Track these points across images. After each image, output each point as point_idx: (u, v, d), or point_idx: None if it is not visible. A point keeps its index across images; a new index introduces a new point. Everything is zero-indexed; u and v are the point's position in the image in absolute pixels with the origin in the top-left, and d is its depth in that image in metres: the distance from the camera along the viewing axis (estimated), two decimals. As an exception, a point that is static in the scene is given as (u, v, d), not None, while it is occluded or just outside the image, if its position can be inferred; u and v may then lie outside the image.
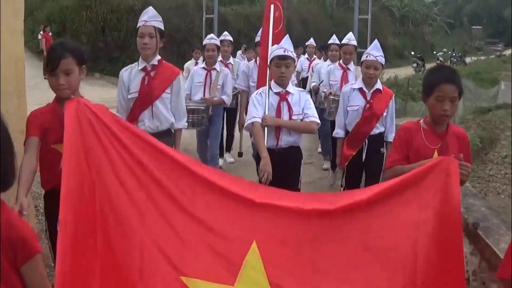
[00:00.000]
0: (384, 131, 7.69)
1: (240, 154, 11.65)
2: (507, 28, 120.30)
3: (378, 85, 7.69)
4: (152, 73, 6.53)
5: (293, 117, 6.58)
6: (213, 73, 10.08)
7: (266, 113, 6.53)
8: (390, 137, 7.59)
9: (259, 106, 6.56)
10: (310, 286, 4.03)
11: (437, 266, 3.95)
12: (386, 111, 7.66)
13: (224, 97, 10.06)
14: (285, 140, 6.58)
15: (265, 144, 6.38)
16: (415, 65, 51.50)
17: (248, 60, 14.34)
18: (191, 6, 35.60)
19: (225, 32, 12.63)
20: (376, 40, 7.94)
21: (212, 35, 11.11)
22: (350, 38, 10.51)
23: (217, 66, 10.22)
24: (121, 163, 4.02)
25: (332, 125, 9.33)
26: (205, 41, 10.46)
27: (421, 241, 4.00)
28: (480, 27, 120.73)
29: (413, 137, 4.92)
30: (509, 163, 21.64)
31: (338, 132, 7.93)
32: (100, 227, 3.78)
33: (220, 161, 11.77)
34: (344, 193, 5.78)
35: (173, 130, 6.83)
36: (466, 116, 27.29)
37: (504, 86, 40.68)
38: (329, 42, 12.63)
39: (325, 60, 13.44)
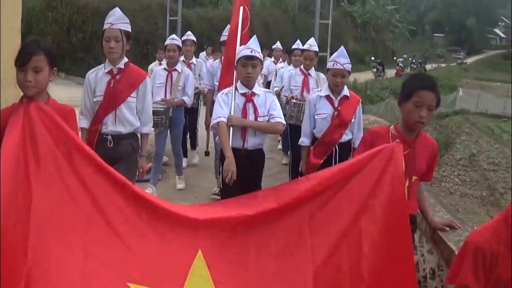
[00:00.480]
0: (352, 138, 7.52)
1: (206, 153, 11.28)
2: (469, 36, 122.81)
3: (345, 92, 7.46)
4: (118, 77, 6.44)
5: (259, 119, 6.55)
6: (174, 74, 10.08)
7: (232, 114, 6.50)
8: (358, 143, 7.09)
9: (224, 106, 6.54)
10: (256, 285, 4.11)
11: (384, 250, 4.07)
12: (354, 117, 7.48)
13: (185, 98, 10.08)
14: (251, 141, 6.57)
15: (230, 144, 6.39)
16: (375, 70, 52.41)
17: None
18: (155, 8, 35.90)
19: (188, 32, 12.63)
20: (342, 47, 7.60)
21: (173, 35, 11.05)
22: (311, 44, 10.30)
23: (178, 67, 10.20)
24: (70, 175, 3.98)
25: (292, 128, 9.57)
26: (167, 42, 10.48)
27: (366, 225, 4.12)
28: (442, 35, 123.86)
29: (379, 142, 4.72)
30: (462, 165, 22.71)
31: (304, 141, 7.65)
32: (34, 234, 3.64)
33: (184, 162, 11.83)
34: (289, 184, 5.44)
35: (138, 134, 6.81)
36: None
37: (462, 93, 42.05)
38: (293, 47, 12.55)
39: (289, 64, 13.33)
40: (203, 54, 18.05)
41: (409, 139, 4.71)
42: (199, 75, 11.63)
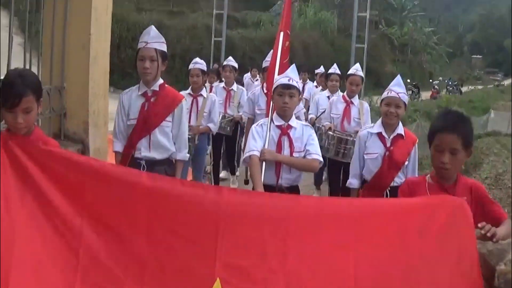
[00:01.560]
0: None
1: (246, 182, 10.37)
2: (507, 57, 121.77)
3: (400, 130, 6.80)
4: (152, 99, 6.25)
5: (294, 154, 6.16)
6: (200, 99, 9.78)
7: (266, 146, 6.14)
8: None
9: (258, 138, 6.18)
10: None
11: None
12: (408, 159, 6.76)
13: (210, 125, 9.77)
14: (286, 178, 6.19)
15: (262, 180, 6.01)
16: (410, 92, 52.92)
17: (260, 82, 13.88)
18: (201, 28, 38.61)
19: (229, 57, 12.63)
20: (398, 76, 7.13)
21: (197, 59, 10.30)
22: (358, 69, 9.85)
23: (204, 92, 9.91)
24: (63, 197, 3.68)
25: (330, 162, 9.43)
26: (190, 66, 10.03)
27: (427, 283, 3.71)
28: (480, 57, 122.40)
29: (416, 192, 4.39)
30: (488, 184, 23.74)
31: (352, 183, 7.05)
32: (17, 269, 3.38)
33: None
34: (335, 197, 5.69)
35: (174, 160, 6.54)
36: (454, 141, 29.29)
37: (494, 115, 42.85)
38: (330, 71, 11.99)
39: (324, 89, 12.89)
40: (247, 76, 18.27)
41: (448, 187, 4.34)
42: (239, 103, 11.61)
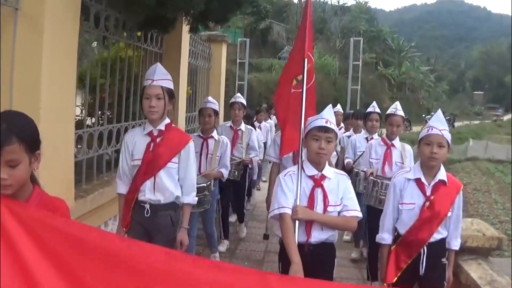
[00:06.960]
0: (447, 236, 5.71)
1: (266, 237, 10.02)
2: (507, 93, 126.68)
3: (442, 175, 5.55)
4: (158, 139, 5.91)
5: (329, 208, 5.22)
6: (210, 141, 9.06)
7: (298, 202, 5.21)
8: (454, 244, 5.76)
9: (288, 192, 5.22)
10: None
11: None
12: (451, 210, 5.55)
13: (222, 170, 9.02)
14: (317, 237, 5.25)
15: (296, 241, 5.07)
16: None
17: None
18: (227, 73, 46.17)
19: (237, 94, 11.47)
20: (439, 110, 5.93)
21: (209, 97, 9.43)
22: (397, 108, 8.76)
23: (215, 133, 9.14)
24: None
25: (370, 210, 8.37)
26: (202, 106, 9.28)
27: None
28: (481, 93, 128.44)
29: None
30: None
31: (384, 238, 5.81)
32: None
33: (223, 246, 10.81)
34: None
35: (180, 204, 6.13)
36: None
37: (472, 143, 51.54)
38: (369, 110, 10.45)
39: (354, 132, 11.60)
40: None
41: None
42: (248, 144, 10.80)
